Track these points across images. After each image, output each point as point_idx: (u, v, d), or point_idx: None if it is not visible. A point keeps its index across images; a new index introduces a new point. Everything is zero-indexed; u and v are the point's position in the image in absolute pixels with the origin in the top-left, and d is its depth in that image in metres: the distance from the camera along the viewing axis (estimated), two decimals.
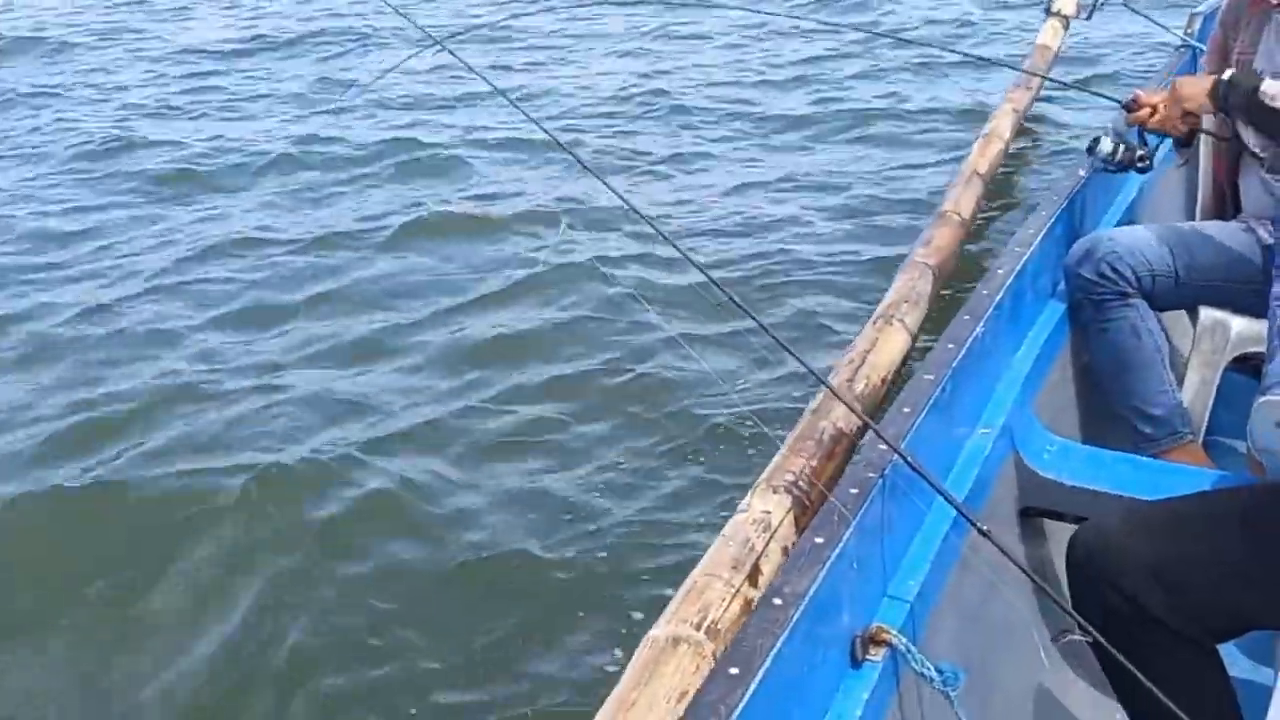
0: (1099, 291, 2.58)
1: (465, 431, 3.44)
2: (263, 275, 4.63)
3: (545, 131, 2.75)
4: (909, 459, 1.67)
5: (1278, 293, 1.70)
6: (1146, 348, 2.57)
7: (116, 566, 2.92)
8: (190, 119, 6.92)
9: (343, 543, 2.98)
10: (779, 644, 1.37)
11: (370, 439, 3.41)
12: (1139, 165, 2.78)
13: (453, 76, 7.15)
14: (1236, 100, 2.47)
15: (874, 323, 2.92)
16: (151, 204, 5.55)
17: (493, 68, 7.42)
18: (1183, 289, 2.60)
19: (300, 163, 5.94)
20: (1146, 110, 2.67)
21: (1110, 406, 2.65)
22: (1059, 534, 2.24)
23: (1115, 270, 2.56)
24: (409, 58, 5.12)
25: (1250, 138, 2.61)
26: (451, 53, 2.98)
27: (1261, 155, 2.61)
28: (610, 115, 6.61)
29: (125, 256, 4.88)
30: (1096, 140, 2.79)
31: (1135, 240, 2.60)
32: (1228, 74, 2.49)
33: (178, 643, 2.70)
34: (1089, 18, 5.79)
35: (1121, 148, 2.75)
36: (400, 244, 4.86)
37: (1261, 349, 2.53)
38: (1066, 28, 6.04)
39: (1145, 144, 2.78)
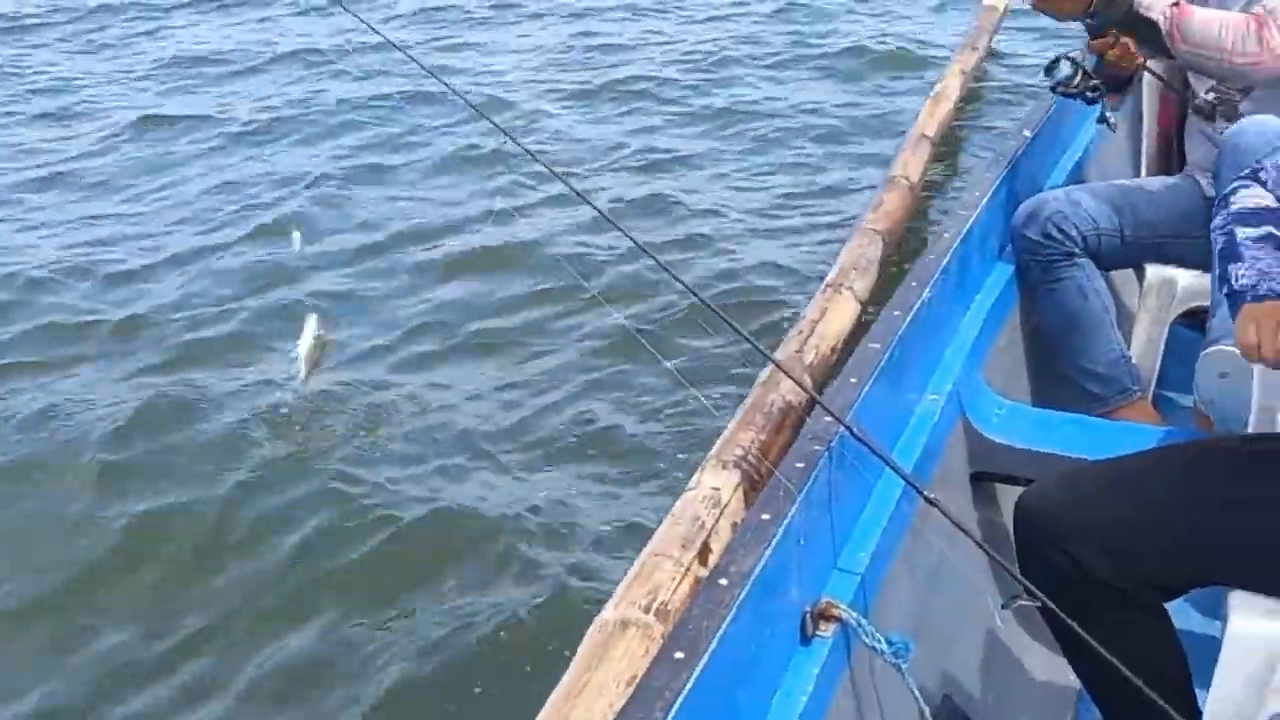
0: (1045, 252, 2.57)
1: (411, 409, 3.40)
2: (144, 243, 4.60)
3: (469, 104, 2.68)
4: (854, 430, 1.65)
5: (1217, 233, 1.70)
6: (1094, 307, 2.56)
7: None
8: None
9: (263, 529, 2.95)
10: (725, 625, 1.35)
11: (314, 418, 3.37)
12: (1090, 94, 2.71)
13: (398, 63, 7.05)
14: (1108, 18, 2.49)
15: (823, 291, 2.92)
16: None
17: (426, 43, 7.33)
18: (1129, 247, 2.60)
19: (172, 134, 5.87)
20: (1110, 38, 2.61)
21: (1060, 367, 2.65)
22: (1010, 497, 2.23)
23: (1061, 230, 2.55)
24: None
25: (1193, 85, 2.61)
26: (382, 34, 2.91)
27: (1207, 101, 2.61)
28: (544, 89, 6.54)
29: None
30: (1056, 61, 2.72)
31: (1080, 200, 2.60)
32: None
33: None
34: None
35: (1080, 73, 2.69)
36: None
37: (1206, 303, 2.55)
38: None
39: (1102, 74, 2.72)
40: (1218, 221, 1.70)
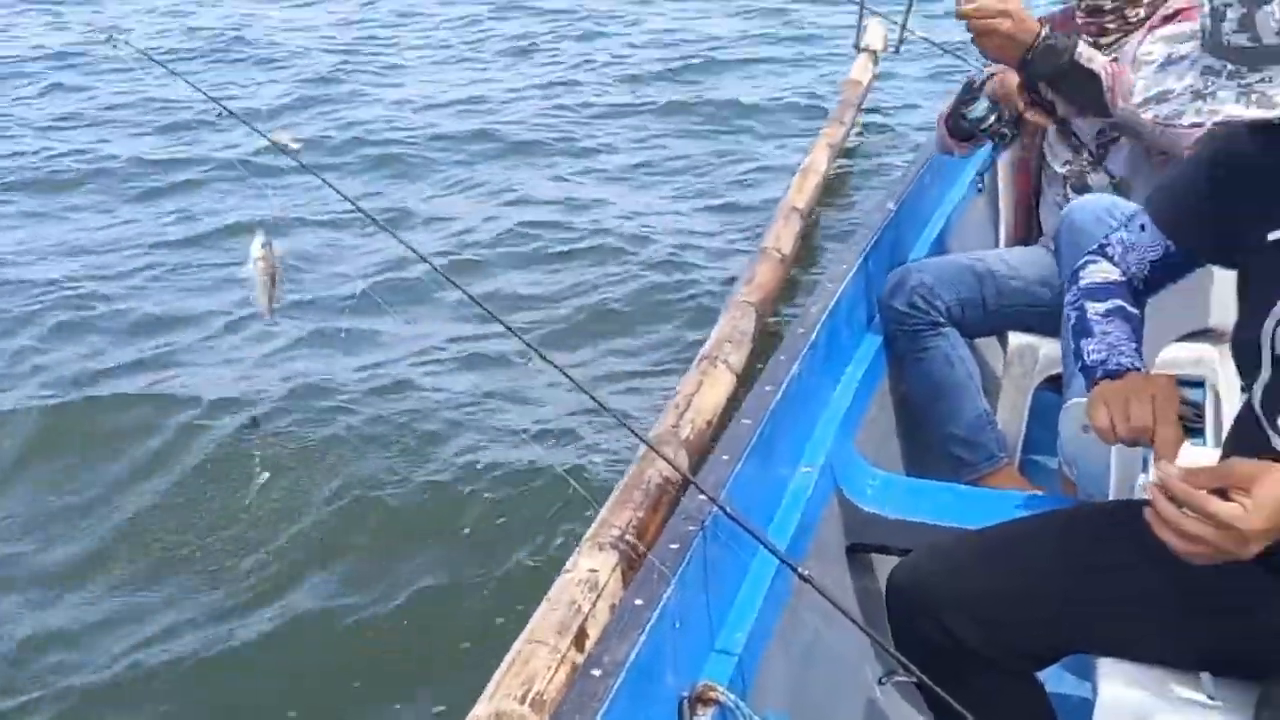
0: (911, 322, 2.63)
1: (280, 498, 3.30)
2: None
3: (305, 166, 2.66)
4: (727, 508, 1.65)
5: (1069, 308, 1.75)
6: (959, 375, 2.62)
7: None
8: None
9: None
10: (599, 717, 1.32)
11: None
12: (999, 138, 2.64)
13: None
14: (1047, 66, 2.33)
15: (698, 364, 2.93)
16: None
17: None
18: (991, 315, 2.68)
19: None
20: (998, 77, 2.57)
21: (929, 435, 2.70)
22: (887, 568, 2.25)
23: (926, 301, 2.62)
24: None
25: (1054, 146, 2.69)
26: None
27: (1060, 173, 2.70)
28: (391, 146, 6.53)
29: None
30: (971, 98, 2.60)
31: (943, 271, 2.67)
32: (1044, 31, 2.35)
33: None
34: (896, 52, 5.99)
35: (995, 115, 2.59)
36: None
37: None
38: (876, 63, 6.26)
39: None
40: (1069, 297, 1.75)
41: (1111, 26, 2.56)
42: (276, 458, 3.45)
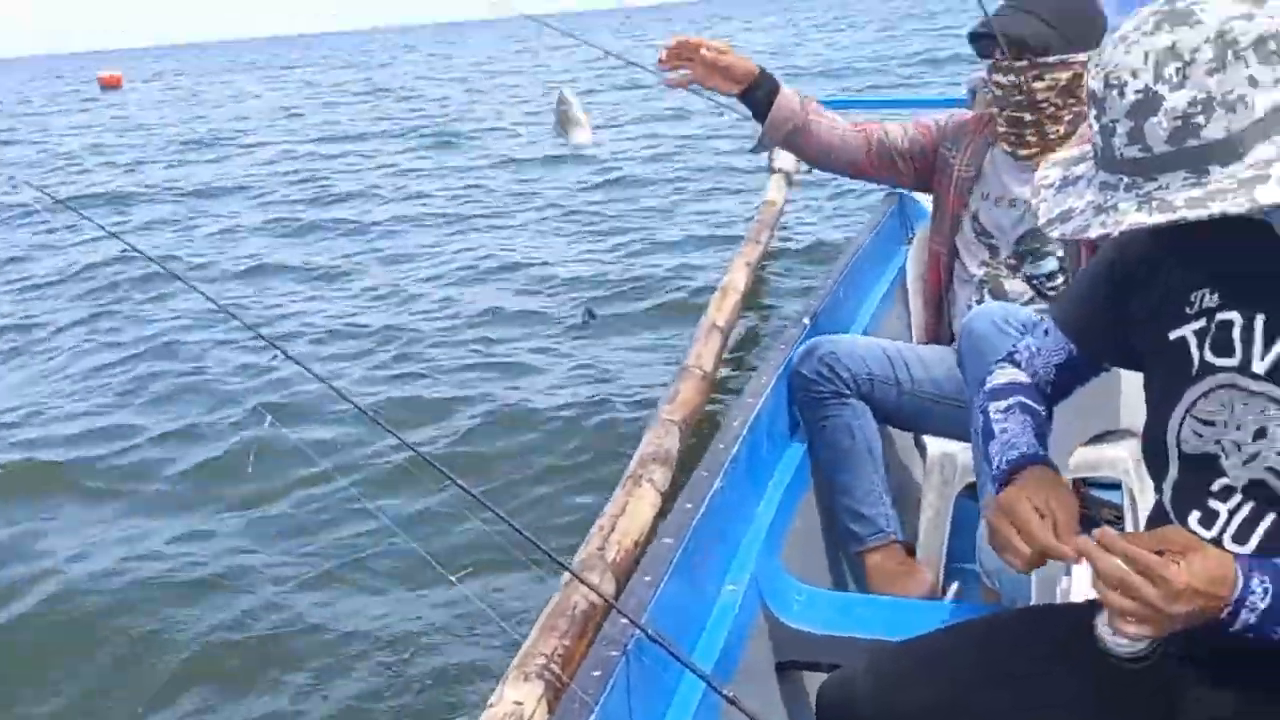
0: (817, 389, 2.65)
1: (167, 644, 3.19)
2: None
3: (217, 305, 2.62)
4: (649, 631, 1.62)
5: (977, 413, 1.77)
6: (859, 448, 2.64)
7: None
8: None
9: None
10: None
11: None
12: (1049, 294, 2.61)
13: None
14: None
15: (623, 485, 2.91)
16: None
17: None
18: (904, 399, 2.69)
19: None
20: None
21: (832, 508, 2.69)
22: (816, 686, 2.22)
23: (833, 369, 2.64)
24: None
25: (970, 246, 2.76)
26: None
27: (976, 276, 2.74)
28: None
29: None
30: (1040, 254, 2.59)
31: (854, 345, 2.72)
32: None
33: None
34: (809, 172, 6.16)
35: (1065, 276, 2.58)
36: None
37: None
38: (790, 183, 6.43)
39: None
40: (977, 402, 1.77)
41: (1031, 139, 2.64)
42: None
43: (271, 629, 3.21)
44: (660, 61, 2.77)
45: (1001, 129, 2.69)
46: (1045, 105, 2.59)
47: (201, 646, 3.18)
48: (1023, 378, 1.75)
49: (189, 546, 3.76)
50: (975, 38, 2.70)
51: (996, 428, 1.67)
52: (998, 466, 1.62)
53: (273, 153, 10.49)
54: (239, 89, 29.83)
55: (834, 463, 2.67)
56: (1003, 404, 1.70)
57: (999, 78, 2.63)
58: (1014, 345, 1.82)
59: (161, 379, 5.30)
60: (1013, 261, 2.69)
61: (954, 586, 2.66)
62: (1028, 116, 2.61)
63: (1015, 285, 2.67)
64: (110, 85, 43.24)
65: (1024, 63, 2.57)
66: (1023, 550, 1.48)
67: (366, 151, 10.36)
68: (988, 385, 1.76)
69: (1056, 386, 1.76)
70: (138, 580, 3.56)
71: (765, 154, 6.24)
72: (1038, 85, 2.57)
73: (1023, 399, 1.70)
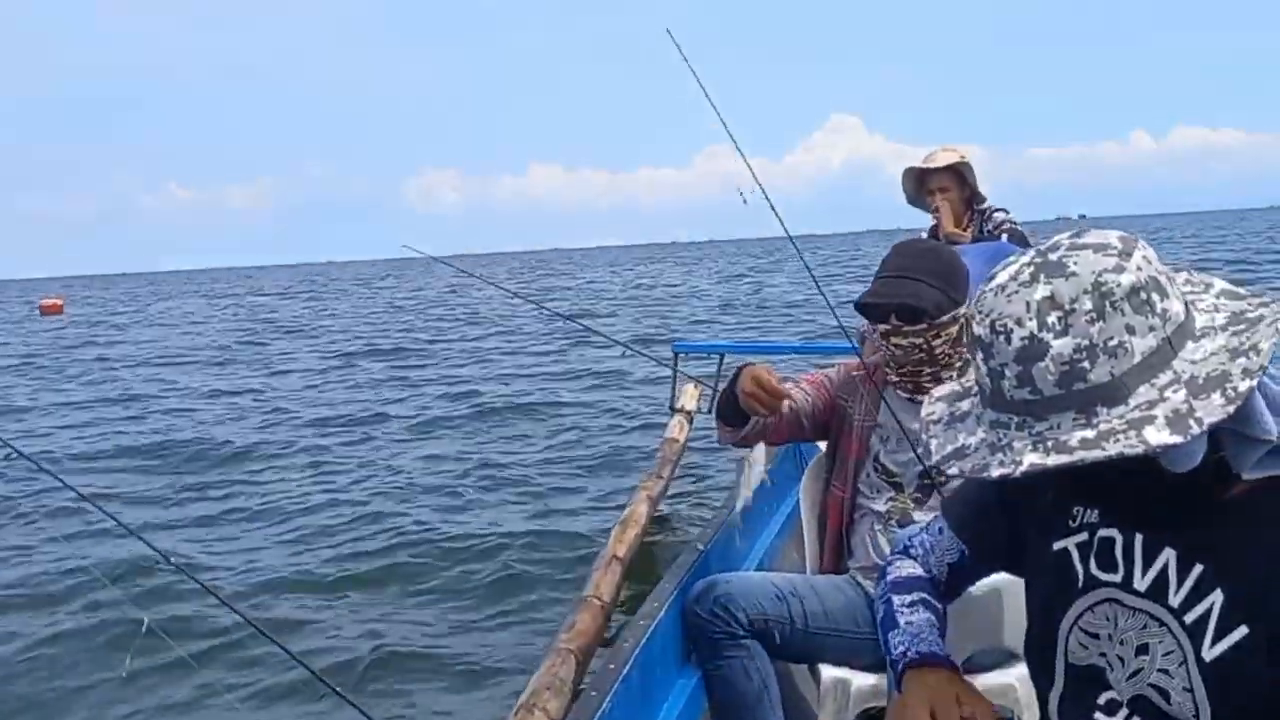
0: (713, 631, 2.63)
1: None
2: None
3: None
4: None
5: (879, 602, 1.77)
6: (755, 688, 2.61)
7: None
8: None
9: None
10: None
11: None
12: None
13: None
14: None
15: (515, 713, 2.84)
16: None
17: None
18: (799, 635, 2.69)
19: None
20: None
21: None
22: None
23: (728, 610, 2.63)
24: None
25: (874, 483, 2.82)
26: None
27: (885, 509, 2.80)
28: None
29: None
30: (945, 485, 2.67)
31: (750, 584, 2.71)
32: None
33: None
34: (709, 412, 6.33)
35: None
36: None
37: (883, 703, 2.63)
38: (691, 422, 6.59)
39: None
40: (878, 592, 1.78)
41: (928, 385, 2.75)
42: None
43: None
44: (747, 394, 2.70)
45: (894, 380, 2.84)
46: (942, 356, 2.76)
47: None
48: (920, 571, 1.78)
49: None
50: (865, 308, 2.83)
51: (902, 619, 1.68)
52: (903, 653, 1.62)
53: None
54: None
55: (733, 703, 2.64)
56: (908, 598, 1.72)
57: (899, 340, 2.77)
58: (909, 539, 1.85)
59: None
60: (918, 495, 2.78)
61: None
62: (926, 369, 2.77)
63: (922, 516, 2.73)
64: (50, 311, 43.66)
65: (922, 325, 2.73)
66: None
67: None
68: (889, 576, 1.78)
69: (949, 585, 1.78)
70: None
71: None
72: (936, 342, 2.74)
73: (926, 596, 1.73)
